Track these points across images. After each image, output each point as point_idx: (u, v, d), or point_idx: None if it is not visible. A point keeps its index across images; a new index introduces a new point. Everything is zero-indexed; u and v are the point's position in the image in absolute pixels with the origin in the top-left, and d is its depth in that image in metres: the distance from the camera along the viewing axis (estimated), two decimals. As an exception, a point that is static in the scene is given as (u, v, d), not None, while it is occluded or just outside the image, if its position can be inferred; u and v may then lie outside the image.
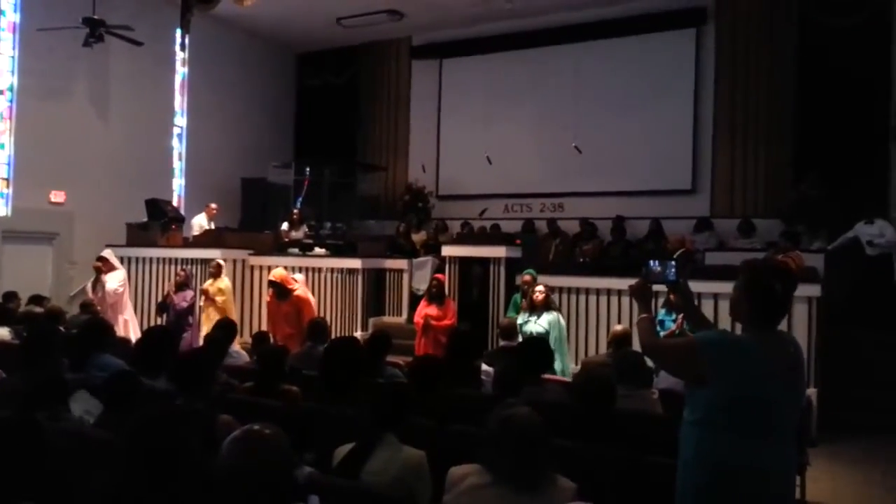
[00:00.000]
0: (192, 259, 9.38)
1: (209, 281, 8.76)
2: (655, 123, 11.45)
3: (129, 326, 8.58)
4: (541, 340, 4.94)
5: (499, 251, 8.42)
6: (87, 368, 4.28)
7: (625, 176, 11.54)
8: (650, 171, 11.41)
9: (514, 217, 12.32)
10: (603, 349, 7.37)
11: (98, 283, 8.61)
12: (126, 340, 6.54)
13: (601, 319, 7.89)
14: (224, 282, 8.68)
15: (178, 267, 9.22)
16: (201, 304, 8.63)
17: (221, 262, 8.84)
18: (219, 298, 8.51)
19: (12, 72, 10.13)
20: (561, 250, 10.68)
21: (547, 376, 4.62)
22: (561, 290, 8.04)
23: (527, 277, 7.40)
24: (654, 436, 3.23)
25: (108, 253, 8.89)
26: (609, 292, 7.90)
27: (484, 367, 4.89)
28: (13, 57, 10.14)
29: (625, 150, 11.62)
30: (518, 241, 8.99)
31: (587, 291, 8.02)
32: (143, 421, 2.20)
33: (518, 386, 3.91)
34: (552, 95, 12.30)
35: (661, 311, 6.43)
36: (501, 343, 6.06)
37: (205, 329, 7.63)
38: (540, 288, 6.80)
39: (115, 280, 8.64)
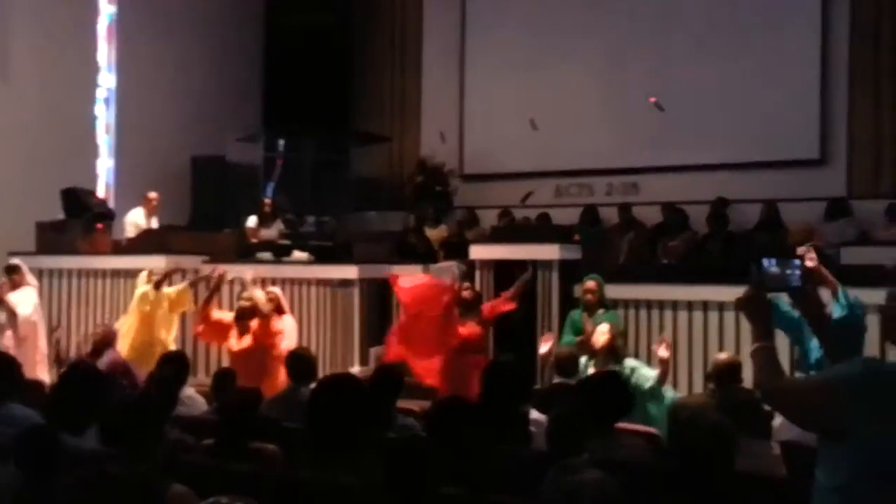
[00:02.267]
0: (125, 270, 9.45)
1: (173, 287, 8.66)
2: (769, 69, 11.37)
3: (41, 364, 8.67)
4: (612, 375, 4.94)
5: (549, 251, 8.42)
6: (-11, 422, 4.35)
7: (726, 143, 11.48)
8: (762, 135, 11.35)
9: (570, 203, 12.32)
10: (698, 386, 7.32)
11: (1, 307, 8.65)
12: (38, 384, 6.62)
13: (695, 345, 7.83)
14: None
15: (105, 281, 9.30)
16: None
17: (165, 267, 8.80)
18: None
19: None
20: (636, 248, 10.65)
21: (623, 425, 4.61)
22: (637, 303, 8.02)
23: (590, 284, 7.39)
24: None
25: (20, 263, 8.91)
26: (706, 306, 7.83)
27: (533, 413, 4.89)
28: None
29: (725, 107, 11.56)
30: (576, 237, 8.98)
31: (674, 305, 7.96)
32: (79, 492, 2.24)
33: (581, 439, 3.91)
34: (622, 32, 12.26)
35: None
36: (556, 380, 6.06)
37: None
38: (603, 328, 6.61)
39: (27, 302, 8.69)
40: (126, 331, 8.23)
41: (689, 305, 7.92)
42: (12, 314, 8.57)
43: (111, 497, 2.95)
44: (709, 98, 11.67)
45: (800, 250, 5.51)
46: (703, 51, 11.79)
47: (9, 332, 8.56)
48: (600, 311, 7.32)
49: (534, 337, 8.22)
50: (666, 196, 11.46)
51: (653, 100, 11.70)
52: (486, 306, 7.68)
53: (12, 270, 8.80)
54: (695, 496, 3.29)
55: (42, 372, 8.46)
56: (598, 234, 10.68)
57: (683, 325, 7.93)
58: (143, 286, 8.52)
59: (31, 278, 8.96)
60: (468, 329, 7.44)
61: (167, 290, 8.50)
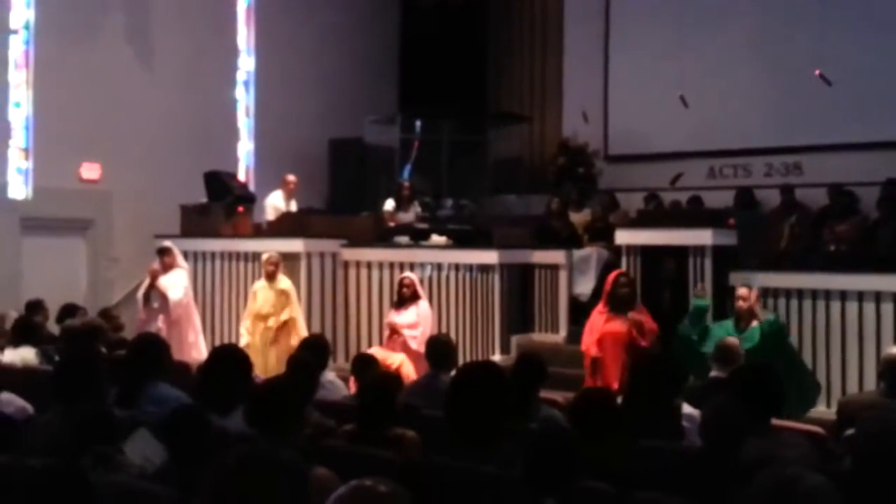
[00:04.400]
0: (267, 252, 9.77)
1: (260, 283, 9.10)
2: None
3: (196, 347, 9.08)
4: (767, 368, 4.82)
5: (702, 236, 8.31)
6: (140, 402, 4.63)
7: (900, 118, 10.98)
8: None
9: (724, 186, 12.08)
10: (869, 382, 7.14)
11: (153, 291, 9.05)
12: (184, 365, 6.98)
13: (867, 338, 7.64)
14: (284, 282, 9.07)
15: (250, 263, 9.67)
16: (247, 326, 9.03)
17: (276, 254, 9.15)
18: (282, 314, 8.90)
19: (28, 4, 10.89)
20: (799, 234, 10.32)
21: (779, 422, 4.50)
22: (801, 293, 7.88)
23: (742, 291, 7.12)
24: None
25: (171, 246, 9.32)
26: (879, 297, 7.64)
27: (686, 408, 4.84)
28: (29, -15, 10.91)
29: (896, 79, 11.04)
30: (731, 222, 8.82)
31: (843, 295, 7.79)
32: (227, 473, 2.36)
33: (740, 436, 3.84)
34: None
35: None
36: (713, 373, 5.96)
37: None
38: (743, 291, 6.82)
39: (177, 286, 9.06)
40: None
41: (860, 296, 7.73)
42: (164, 298, 8.97)
43: (257, 478, 3.10)
44: (878, 69, 11.17)
45: None
46: (869, 18, 11.30)
47: (162, 315, 9.00)
48: (753, 324, 6.91)
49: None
50: (832, 177, 11.06)
51: (818, 72, 11.26)
52: (643, 320, 7.30)
53: (164, 252, 9.19)
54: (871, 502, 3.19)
55: (196, 353, 8.83)
56: (756, 219, 10.41)
57: (852, 318, 7.75)
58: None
59: (181, 260, 9.35)
60: (618, 327, 7.23)
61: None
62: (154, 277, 9.00)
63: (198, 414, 3.80)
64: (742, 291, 7.16)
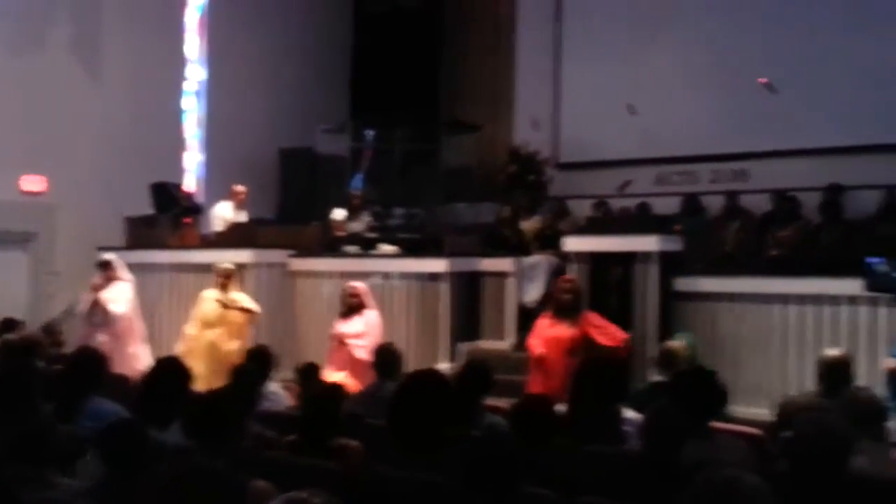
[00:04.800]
0: (212, 263, 9.69)
1: (211, 292, 8.99)
2: (887, 43, 10.94)
3: (138, 359, 8.92)
4: (707, 372, 4.87)
5: (648, 242, 8.36)
6: (78, 417, 4.56)
7: (843, 124, 11.12)
8: (879, 115, 10.96)
9: (671, 192, 12.16)
10: (809, 384, 7.09)
11: (96, 307, 8.92)
12: (122, 378, 6.87)
13: (806, 341, 7.72)
14: (239, 297, 9.02)
15: (194, 275, 9.60)
16: (192, 331, 8.94)
17: (230, 265, 9.09)
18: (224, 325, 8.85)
19: (-29, 16, 10.74)
20: (743, 239, 10.43)
21: (720, 425, 4.54)
22: (744, 297, 7.94)
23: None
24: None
25: (113, 258, 9.19)
26: (819, 300, 7.72)
27: (628, 413, 4.86)
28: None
29: (839, 86, 11.20)
30: (678, 228, 8.87)
31: (785, 299, 7.89)
32: (161, 487, 2.33)
33: (679, 439, 3.86)
34: (725, 8, 12.03)
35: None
36: (655, 378, 6.00)
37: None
38: None
39: (121, 299, 8.94)
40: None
41: (801, 299, 7.82)
42: (105, 312, 8.84)
43: (193, 491, 3.06)
44: (821, 76, 11.31)
45: None
46: (814, 25, 11.45)
47: (105, 329, 8.84)
48: None
49: (631, 332, 8.14)
50: (777, 183, 11.20)
51: (763, 80, 11.41)
52: (593, 323, 7.32)
53: (105, 266, 9.07)
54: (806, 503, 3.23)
55: (140, 365, 8.61)
56: (702, 224, 10.48)
57: (794, 321, 7.83)
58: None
59: (125, 273, 9.21)
60: (566, 332, 7.22)
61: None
62: (96, 291, 8.89)
63: (134, 427, 3.74)
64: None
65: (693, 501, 2.35)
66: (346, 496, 2.57)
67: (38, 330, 8.13)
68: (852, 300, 7.59)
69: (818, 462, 3.35)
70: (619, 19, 12.77)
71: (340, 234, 10.63)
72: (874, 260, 2.57)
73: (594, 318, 7.46)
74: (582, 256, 8.69)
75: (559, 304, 7.38)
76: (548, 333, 7.31)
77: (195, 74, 13.15)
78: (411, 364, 8.72)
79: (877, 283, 2.50)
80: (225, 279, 8.96)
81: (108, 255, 9.29)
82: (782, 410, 4.85)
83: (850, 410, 4.06)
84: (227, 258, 9.54)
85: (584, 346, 7.13)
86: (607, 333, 7.27)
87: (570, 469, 3.86)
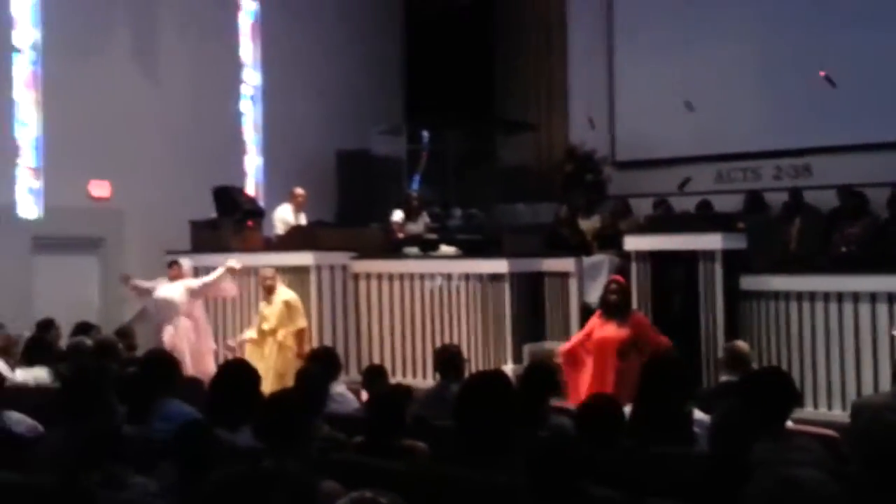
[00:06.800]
0: (277, 266, 9.78)
1: (261, 304, 9.21)
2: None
3: (210, 358, 9.30)
4: (777, 372, 4.80)
5: (711, 241, 8.29)
6: (150, 419, 4.65)
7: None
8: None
9: (733, 189, 12.06)
10: (884, 383, 7.07)
11: (157, 302, 9.41)
12: (197, 381, 6.99)
13: (880, 340, 7.58)
14: (286, 294, 9.13)
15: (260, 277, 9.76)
16: (250, 336, 9.14)
17: (271, 269, 9.25)
18: (286, 326, 9.00)
19: (35, 24, 10.96)
20: (808, 236, 10.26)
21: (795, 427, 4.48)
22: (813, 295, 7.83)
23: None
24: None
25: (177, 259, 9.61)
26: (891, 297, 7.58)
27: (697, 414, 4.82)
28: (34, 5, 10.95)
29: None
30: (741, 226, 8.76)
31: (855, 297, 7.73)
32: (219, 489, 2.37)
33: (748, 441, 3.82)
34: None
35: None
36: (722, 378, 5.93)
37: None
38: None
39: (176, 289, 9.40)
40: None
41: (873, 297, 7.68)
42: (167, 307, 9.31)
43: (263, 493, 3.11)
44: (884, 69, 11.13)
45: None
46: (874, 17, 11.24)
47: (169, 328, 9.27)
48: None
49: (696, 332, 8.13)
50: (842, 178, 10.97)
51: (823, 74, 11.22)
52: (640, 323, 7.45)
53: (169, 265, 9.58)
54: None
55: (211, 364, 9.07)
56: (765, 222, 10.34)
57: (865, 320, 7.69)
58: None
59: (189, 273, 9.65)
60: (613, 332, 7.29)
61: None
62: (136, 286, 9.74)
63: (205, 429, 3.80)
64: None
65: (753, 498, 2.33)
66: (412, 496, 2.59)
67: (112, 333, 8.32)
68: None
69: (890, 463, 3.28)
70: (672, 14, 12.65)
71: (400, 235, 10.68)
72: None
73: (643, 319, 7.56)
74: (643, 256, 8.62)
75: (607, 304, 7.47)
76: (596, 334, 7.41)
77: (251, 79, 13.34)
78: (477, 365, 8.81)
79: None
80: (270, 282, 9.12)
81: (183, 259, 9.70)
82: (857, 411, 4.77)
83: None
84: (290, 261, 9.68)
85: (633, 347, 7.20)
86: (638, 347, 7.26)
87: (636, 470, 3.83)
